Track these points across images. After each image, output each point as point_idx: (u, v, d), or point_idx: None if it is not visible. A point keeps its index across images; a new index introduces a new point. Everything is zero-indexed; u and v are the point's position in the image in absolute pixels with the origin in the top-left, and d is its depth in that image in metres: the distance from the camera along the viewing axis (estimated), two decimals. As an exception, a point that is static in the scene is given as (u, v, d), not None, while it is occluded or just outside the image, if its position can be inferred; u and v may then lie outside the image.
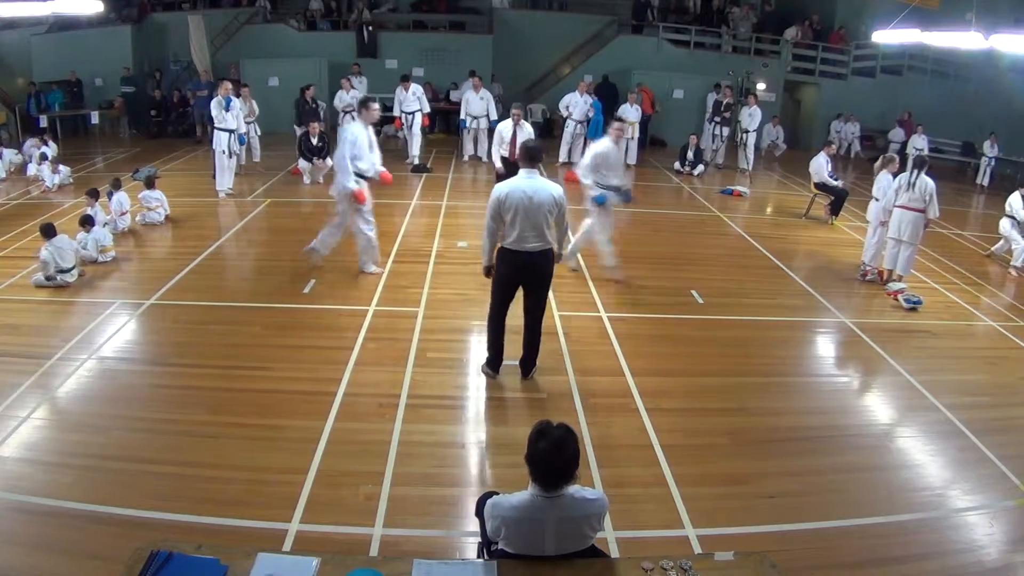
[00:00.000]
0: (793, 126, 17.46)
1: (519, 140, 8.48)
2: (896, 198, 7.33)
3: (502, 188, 4.64)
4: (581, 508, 2.48)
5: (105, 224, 7.66)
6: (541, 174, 4.76)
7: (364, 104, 6.77)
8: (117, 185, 8.54)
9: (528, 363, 5.05)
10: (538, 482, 2.45)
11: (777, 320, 6.53)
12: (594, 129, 12.99)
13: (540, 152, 4.79)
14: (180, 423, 4.37)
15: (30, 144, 11.44)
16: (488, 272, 4.91)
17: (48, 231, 6.50)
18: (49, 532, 3.40)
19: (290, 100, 14.51)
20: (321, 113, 12.89)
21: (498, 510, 2.49)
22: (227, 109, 9.86)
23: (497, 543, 2.58)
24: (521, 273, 4.75)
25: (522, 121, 9.04)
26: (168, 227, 8.57)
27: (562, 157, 13.30)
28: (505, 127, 9.01)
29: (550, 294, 6.23)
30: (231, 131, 9.95)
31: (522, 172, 4.68)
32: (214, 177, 10.12)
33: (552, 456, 2.41)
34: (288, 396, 4.72)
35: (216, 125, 9.89)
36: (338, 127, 12.81)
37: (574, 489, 2.49)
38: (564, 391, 4.91)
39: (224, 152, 9.84)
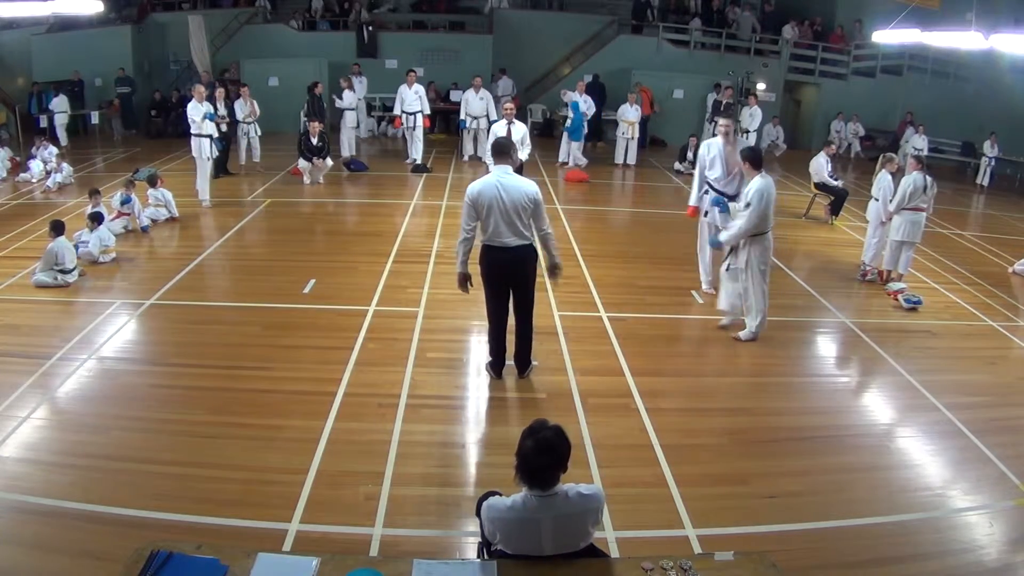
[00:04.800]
0: (793, 126, 17.46)
1: (513, 138, 8.44)
2: (910, 201, 7.20)
3: (474, 186, 4.60)
4: (577, 505, 2.48)
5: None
6: (519, 171, 4.72)
7: None
8: (130, 185, 8.48)
9: (522, 361, 5.04)
10: (525, 482, 2.45)
11: (777, 320, 6.52)
12: (576, 129, 12.95)
13: (511, 147, 4.74)
14: (180, 423, 4.37)
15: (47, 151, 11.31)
16: (462, 281, 4.74)
17: (57, 227, 6.52)
18: (49, 532, 3.39)
19: (290, 100, 14.57)
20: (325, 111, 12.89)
21: (493, 512, 2.49)
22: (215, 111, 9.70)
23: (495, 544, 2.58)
24: (503, 268, 4.72)
25: (514, 121, 9.01)
26: (168, 227, 8.57)
27: (561, 157, 13.30)
28: (499, 127, 9.02)
29: (550, 294, 6.27)
30: (209, 136, 9.47)
31: (494, 169, 4.66)
32: (216, 177, 10.12)
33: (532, 456, 2.42)
34: (288, 396, 4.71)
35: (194, 132, 9.36)
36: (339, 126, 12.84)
37: (568, 487, 2.49)
38: (564, 391, 4.91)
39: (208, 159, 9.48)
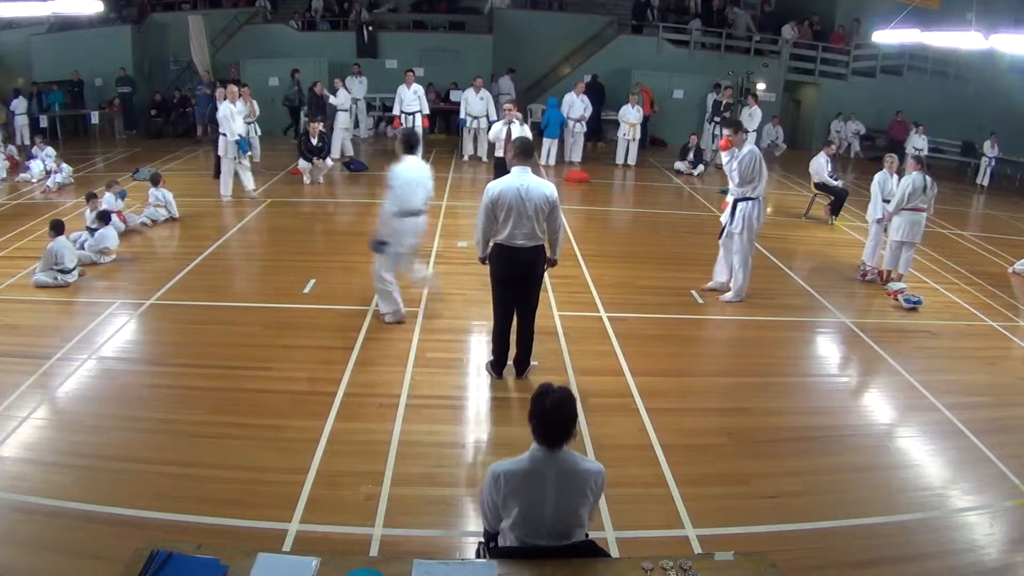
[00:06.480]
0: (793, 126, 17.46)
1: (513, 137, 8.44)
2: (909, 201, 7.20)
3: (495, 186, 4.61)
4: (578, 463, 2.59)
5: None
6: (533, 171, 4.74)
7: None
8: (112, 185, 8.51)
9: (522, 361, 5.05)
10: (541, 439, 2.55)
11: (777, 320, 6.53)
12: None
13: (532, 149, 4.79)
14: (180, 423, 4.37)
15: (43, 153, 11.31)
16: (485, 260, 4.90)
17: (57, 227, 6.54)
18: (49, 532, 3.40)
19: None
20: (327, 109, 12.84)
21: (502, 467, 2.57)
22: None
23: (497, 538, 2.58)
24: (515, 268, 4.74)
25: (515, 120, 9.01)
26: (169, 227, 8.57)
27: (564, 157, 13.30)
28: (499, 128, 9.02)
29: (550, 294, 6.27)
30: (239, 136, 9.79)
31: (515, 170, 4.65)
32: (216, 177, 10.15)
33: (554, 413, 2.51)
34: (288, 396, 4.71)
35: (223, 131, 9.71)
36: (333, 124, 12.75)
37: (572, 452, 2.61)
38: (564, 391, 4.90)
39: (234, 158, 9.74)
